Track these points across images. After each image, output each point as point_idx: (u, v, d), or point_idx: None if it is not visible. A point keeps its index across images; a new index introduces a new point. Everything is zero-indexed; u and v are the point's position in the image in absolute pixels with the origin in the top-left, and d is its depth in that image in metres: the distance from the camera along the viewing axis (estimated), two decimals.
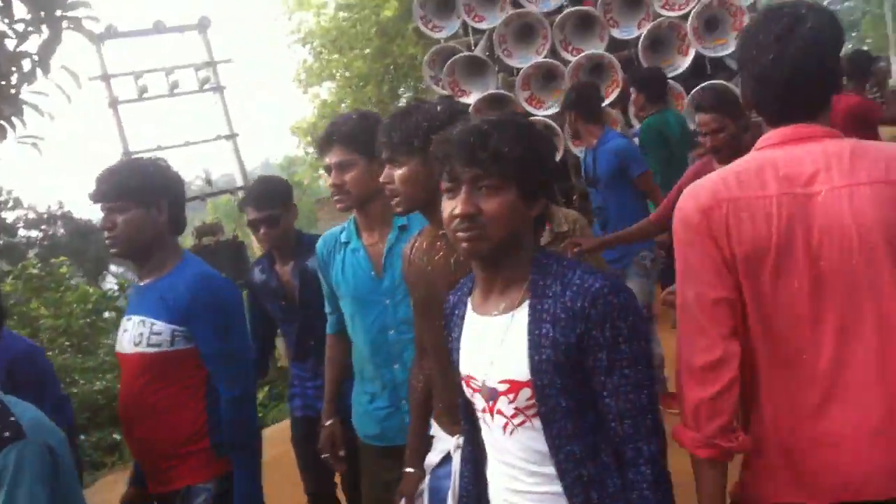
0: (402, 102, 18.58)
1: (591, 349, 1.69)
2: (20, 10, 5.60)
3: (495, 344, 1.79)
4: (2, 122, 5.47)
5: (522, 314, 1.77)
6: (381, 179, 2.35)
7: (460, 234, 1.73)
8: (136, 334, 2.63)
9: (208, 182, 14.64)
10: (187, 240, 8.17)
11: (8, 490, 1.88)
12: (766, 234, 1.68)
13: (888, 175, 1.68)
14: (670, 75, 7.03)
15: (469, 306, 1.92)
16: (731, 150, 3.69)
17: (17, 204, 24.80)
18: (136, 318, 2.66)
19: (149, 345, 2.60)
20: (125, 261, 3.66)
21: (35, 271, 10.98)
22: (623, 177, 4.88)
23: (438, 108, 2.28)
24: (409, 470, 2.53)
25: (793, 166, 1.72)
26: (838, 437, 1.68)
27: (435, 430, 2.51)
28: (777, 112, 1.79)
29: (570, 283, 1.73)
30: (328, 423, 3.19)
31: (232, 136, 11.77)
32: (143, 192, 2.63)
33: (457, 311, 1.97)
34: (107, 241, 2.69)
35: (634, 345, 1.68)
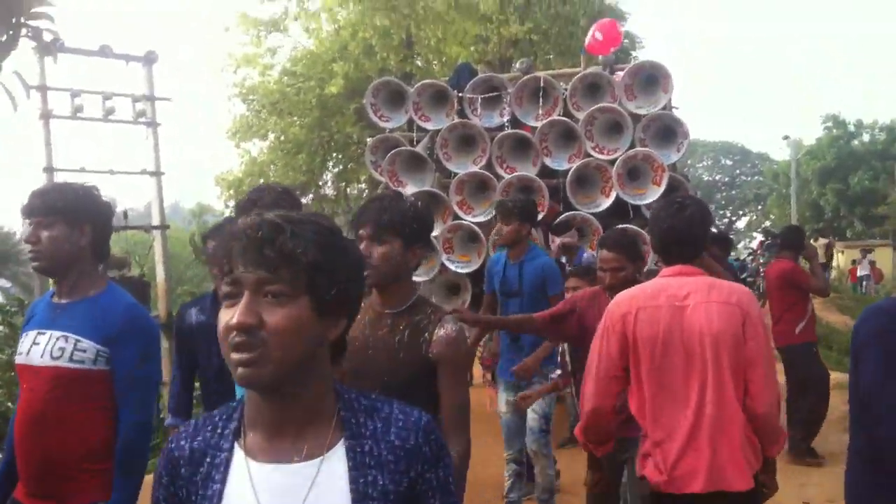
0: (328, 176, 18.89)
1: (424, 495, 1.49)
2: None
3: (298, 500, 1.42)
4: None
5: (337, 459, 1.45)
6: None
7: (234, 356, 1.37)
8: (54, 348, 2.73)
9: (124, 215, 14.44)
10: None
11: None
12: (657, 328, 3.01)
13: (728, 298, 2.98)
14: (591, 212, 7.59)
15: (238, 450, 1.48)
16: (624, 288, 3.88)
17: None
18: (54, 333, 2.75)
19: (70, 360, 2.71)
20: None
21: None
22: (542, 292, 5.29)
23: (419, 203, 2.64)
24: None
25: (675, 289, 3.04)
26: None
27: None
28: (670, 257, 3.15)
29: (391, 419, 1.49)
30: None
31: (157, 174, 11.76)
32: (71, 212, 2.77)
33: (210, 458, 1.49)
34: (30, 255, 2.81)
35: (454, 484, 1.55)
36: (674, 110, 8.09)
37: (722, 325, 2.92)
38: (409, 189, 7.87)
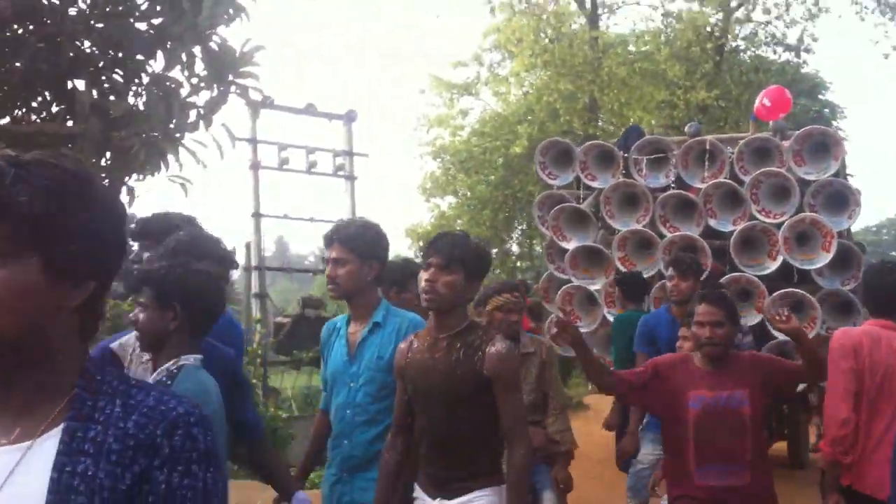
0: (515, 234, 19.48)
1: (145, 498, 1.18)
2: (199, 67, 6.52)
3: None
4: (160, 159, 6.33)
5: (51, 445, 1.19)
6: (426, 277, 2.92)
7: None
8: None
9: (323, 259, 15.67)
10: (292, 306, 8.97)
11: None
12: (880, 362, 3.71)
13: None
14: (757, 275, 7.55)
15: None
16: (723, 349, 3.78)
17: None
18: None
19: None
20: None
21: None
22: None
23: (482, 243, 3.06)
24: None
25: (889, 338, 3.75)
26: None
27: (418, 492, 3.07)
28: (878, 312, 3.89)
29: (138, 405, 1.22)
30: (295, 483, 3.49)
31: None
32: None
33: None
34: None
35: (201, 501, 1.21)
36: (848, 178, 7.94)
37: None
38: (573, 244, 8.17)
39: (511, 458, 2.95)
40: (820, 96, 23.33)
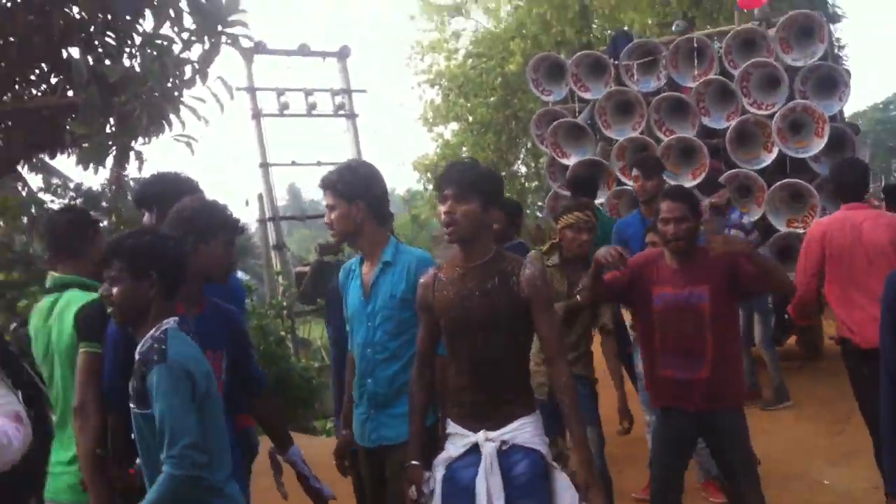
0: (522, 153, 19.46)
1: None
2: (188, 21, 6.61)
3: None
4: (162, 119, 6.47)
5: None
6: (444, 210, 2.99)
7: None
8: None
9: None
10: (311, 255, 9.19)
11: (155, 397, 2.56)
12: (843, 242, 4.55)
13: (890, 221, 4.61)
14: (754, 169, 7.69)
15: None
16: (686, 241, 3.87)
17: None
18: None
19: None
20: None
21: None
22: None
23: (493, 168, 3.17)
24: (413, 463, 3.12)
25: (853, 218, 4.59)
26: None
27: (453, 428, 3.10)
28: (845, 198, 4.74)
29: None
30: (343, 433, 3.70)
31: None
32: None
33: None
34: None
35: None
36: (842, 58, 7.99)
37: (889, 236, 4.46)
38: (572, 159, 8.33)
39: (558, 377, 3.04)
40: None
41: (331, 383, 4.96)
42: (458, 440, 3.07)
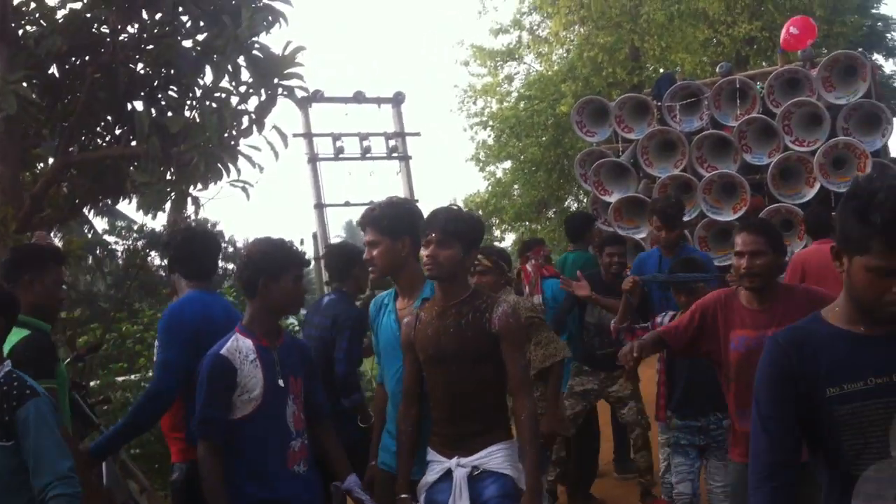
0: (575, 189, 19.58)
1: None
2: (245, 75, 6.95)
3: None
4: (220, 166, 6.79)
5: None
6: (427, 253, 3.15)
7: None
8: None
9: None
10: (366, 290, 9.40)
11: (36, 431, 2.65)
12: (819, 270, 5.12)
13: None
14: (796, 203, 7.76)
15: None
16: (764, 280, 3.44)
17: (220, 237, 27.44)
18: None
19: None
20: None
21: (231, 299, 12.46)
22: None
23: (476, 214, 3.33)
24: (403, 496, 3.22)
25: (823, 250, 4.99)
26: None
27: (432, 455, 3.22)
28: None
29: None
30: (371, 463, 3.65)
31: (412, 202, 13.09)
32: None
33: None
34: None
35: None
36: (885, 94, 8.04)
37: None
38: (615, 196, 8.49)
39: (520, 411, 3.14)
40: (872, 10, 22.65)
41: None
42: (434, 466, 3.21)
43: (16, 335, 3.21)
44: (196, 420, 3.14)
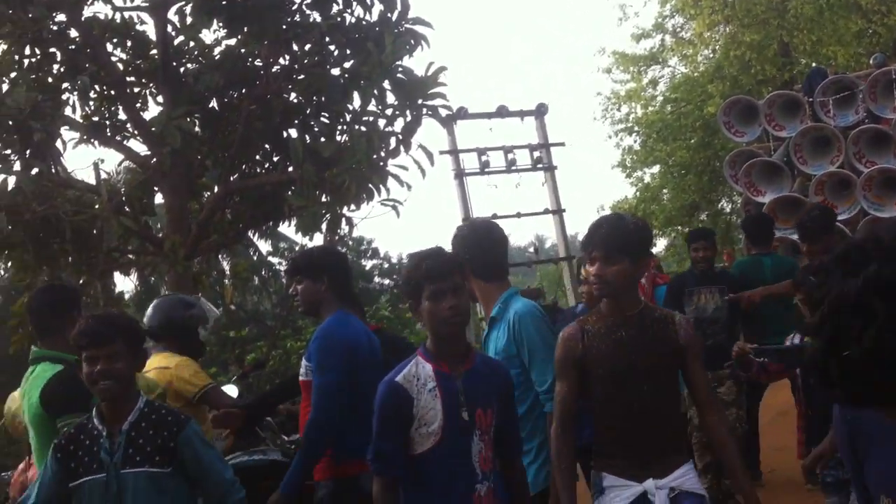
0: (728, 189, 19.06)
1: None
2: (391, 98, 7.24)
3: None
4: (371, 186, 7.10)
5: None
6: (593, 272, 2.97)
7: None
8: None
9: (536, 251, 16.30)
10: None
11: (202, 449, 3.00)
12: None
13: None
14: None
15: None
16: None
17: (375, 254, 28.44)
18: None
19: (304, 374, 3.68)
20: None
21: (386, 313, 12.83)
22: None
23: (640, 221, 3.13)
24: None
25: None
26: None
27: (611, 480, 2.99)
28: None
29: None
30: None
31: (559, 211, 13.13)
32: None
33: None
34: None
35: None
36: None
37: None
38: (768, 196, 8.24)
39: (718, 424, 3.03)
40: None
41: None
42: (621, 492, 2.97)
43: (49, 370, 3.40)
44: (369, 454, 2.80)
